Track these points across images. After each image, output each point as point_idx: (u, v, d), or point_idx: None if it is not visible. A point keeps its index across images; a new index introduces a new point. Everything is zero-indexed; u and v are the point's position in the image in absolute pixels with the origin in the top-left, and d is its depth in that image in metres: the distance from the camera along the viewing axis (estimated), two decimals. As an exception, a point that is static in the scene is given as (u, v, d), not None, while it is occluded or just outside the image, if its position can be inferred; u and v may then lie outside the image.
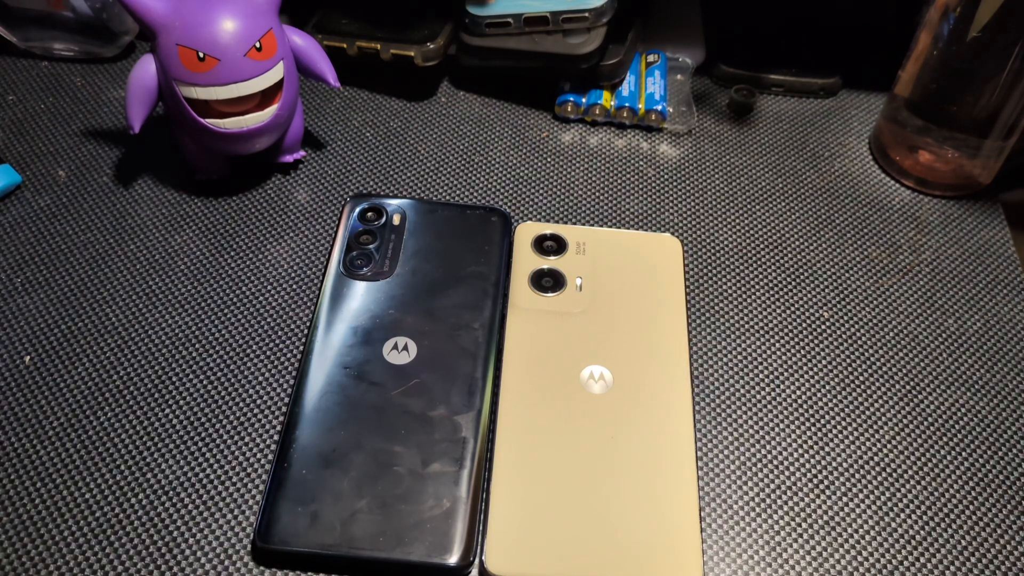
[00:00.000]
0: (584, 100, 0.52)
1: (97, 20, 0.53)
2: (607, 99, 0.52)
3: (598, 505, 0.36)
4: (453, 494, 0.35)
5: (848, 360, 0.42)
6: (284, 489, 0.35)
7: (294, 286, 0.44)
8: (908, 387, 0.42)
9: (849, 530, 0.37)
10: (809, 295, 0.45)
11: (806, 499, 0.38)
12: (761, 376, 0.42)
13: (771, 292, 0.45)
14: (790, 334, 0.43)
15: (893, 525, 0.37)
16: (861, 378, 0.42)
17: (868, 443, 0.39)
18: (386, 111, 0.53)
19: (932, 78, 0.47)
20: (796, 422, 0.40)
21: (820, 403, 0.41)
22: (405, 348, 0.40)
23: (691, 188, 0.50)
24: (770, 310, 0.44)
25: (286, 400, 0.40)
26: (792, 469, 0.38)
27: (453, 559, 0.34)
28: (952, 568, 0.36)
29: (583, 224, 0.47)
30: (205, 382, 0.40)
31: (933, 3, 0.45)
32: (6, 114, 0.51)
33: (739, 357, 0.42)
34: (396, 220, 0.45)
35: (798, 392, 0.41)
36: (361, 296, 0.42)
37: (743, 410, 0.40)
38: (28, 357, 0.40)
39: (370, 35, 0.52)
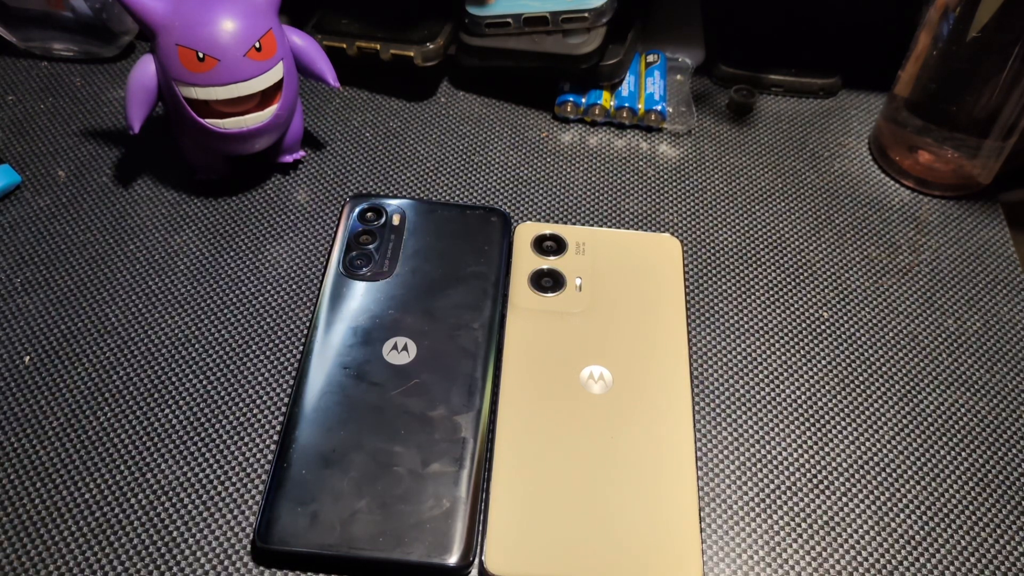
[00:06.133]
0: (584, 100, 0.52)
1: (97, 20, 0.53)
2: (607, 99, 0.52)
3: (598, 505, 0.36)
4: (453, 494, 0.35)
5: (848, 360, 0.42)
6: (284, 489, 0.35)
7: (294, 286, 0.44)
8: (908, 387, 0.42)
9: (849, 530, 0.37)
10: (809, 295, 0.45)
11: (806, 499, 0.38)
12: (761, 376, 0.42)
13: (771, 292, 0.45)
14: (790, 334, 0.43)
15: (893, 525, 0.37)
16: (861, 378, 0.42)
17: (868, 443, 0.39)
18: (386, 111, 0.53)
19: (932, 78, 0.47)
20: (796, 422, 0.40)
21: (820, 403, 0.41)
22: (405, 348, 0.40)
23: (691, 188, 0.50)
24: (770, 310, 0.44)
25: (286, 400, 0.40)
26: (792, 469, 0.38)
27: (453, 559, 0.34)
28: (952, 568, 0.36)
29: (583, 224, 0.47)
30: (204, 382, 0.40)
31: (933, 3, 0.45)
32: (6, 114, 0.51)
33: (739, 357, 0.42)
34: (396, 220, 0.45)
35: (798, 392, 0.41)
36: (361, 296, 0.42)
37: (743, 410, 0.40)
38: (28, 357, 0.40)
39: (370, 35, 0.52)
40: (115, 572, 0.34)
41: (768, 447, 0.39)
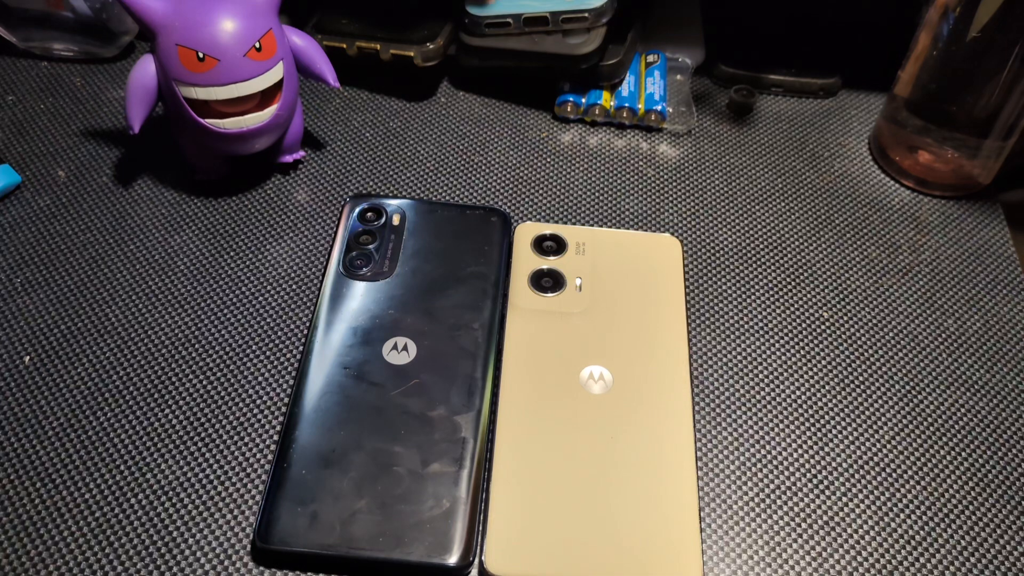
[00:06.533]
0: (584, 100, 0.52)
1: (97, 20, 0.53)
2: (607, 99, 0.52)
3: (598, 505, 0.36)
4: (453, 494, 0.35)
5: (848, 360, 0.42)
6: (284, 489, 0.35)
7: (294, 286, 0.44)
8: (908, 387, 0.42)
9: (849, 530, 0.37)
10: (809, 295, 0.45)
11: (806, 499, 0.38)
12: (761, 376, 0.42)
13: (771, 292, 0.45)
14: (790, 334, 0.43)
15: (893, 525, 0.37)
16: (861, 378, 0.42)
17: (868, 443, 0.39)
18: (386, 111, 0.53)
19: (932, 78, 0.47)
20: (796, 422, 0.40)
21: (820, 403, 0.41)
22: (405, 348, 0.40)
23: (691, 188, 0.50)
24: (770, 310, 0.44)
25: (286, 400, 0.40)
26: (792, 469, 0.38)
27: (453, 559, 0.34)
28: (952, 568, 0.36)
29: (583, 224, 0.47)
30: (204, 382, 0.40)
31: (933, 3, 0.45)
32: (6, 114, 0.51)
33: (739, 357, 0.42)
34: (396, 220, 0.45)
35: (798, 392, 0.41)
36: (361, 296, 0.42)
37: (743, 410, 0.40)
38: (28, 357, 0.40)
39: (370, 35, 0.52)
40: (115, 572, 0.34)
41: (768, 447, 0.39)
